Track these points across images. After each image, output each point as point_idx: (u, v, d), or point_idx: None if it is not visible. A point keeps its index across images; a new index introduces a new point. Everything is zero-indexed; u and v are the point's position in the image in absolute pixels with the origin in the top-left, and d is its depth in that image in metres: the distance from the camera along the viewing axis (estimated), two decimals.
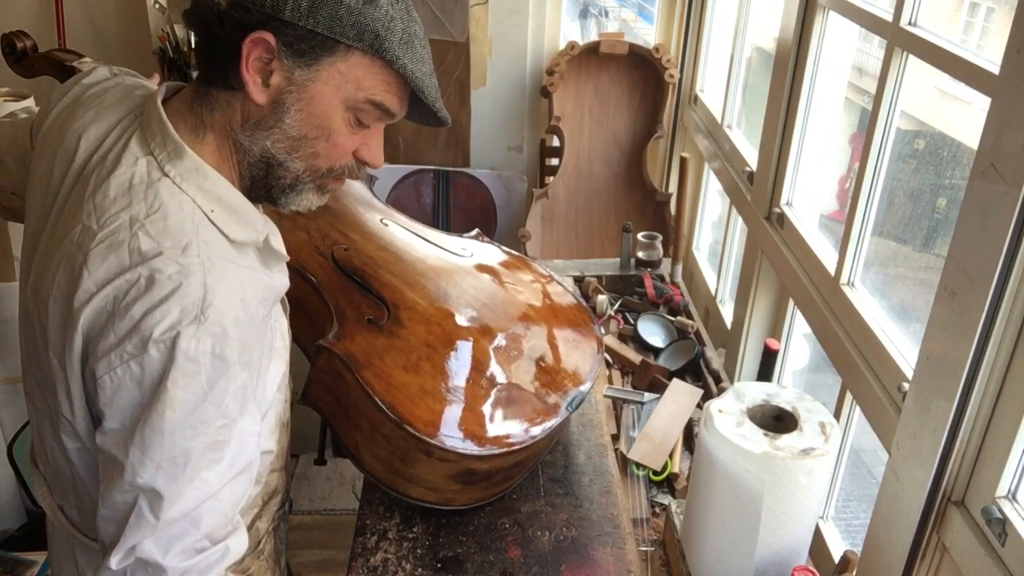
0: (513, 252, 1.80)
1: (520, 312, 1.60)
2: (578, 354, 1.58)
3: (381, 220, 1.67)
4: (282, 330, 1.19)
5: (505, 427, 1.38)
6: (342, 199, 1.66)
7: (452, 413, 1.36)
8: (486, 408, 1.40)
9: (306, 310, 1.46)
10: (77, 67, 1.68)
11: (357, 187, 1.73)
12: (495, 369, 1.46)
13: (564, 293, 1.73)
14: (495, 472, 1.40)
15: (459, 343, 1.47)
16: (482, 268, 1.68)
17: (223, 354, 0.94)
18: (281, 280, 1.12)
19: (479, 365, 1.45)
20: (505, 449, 1.36)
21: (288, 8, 0.93)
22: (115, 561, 0.92)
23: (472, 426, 1.36)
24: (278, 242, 1.10)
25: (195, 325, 0.91)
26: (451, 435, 1.33)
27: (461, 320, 1.51)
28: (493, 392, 1.42)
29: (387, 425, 1.31)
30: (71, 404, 0.99)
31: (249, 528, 1.24)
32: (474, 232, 1.82)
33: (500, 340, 1.51)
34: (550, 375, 1.51)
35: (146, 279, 0.91)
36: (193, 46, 1.01)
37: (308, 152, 1.02)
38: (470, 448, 1.33)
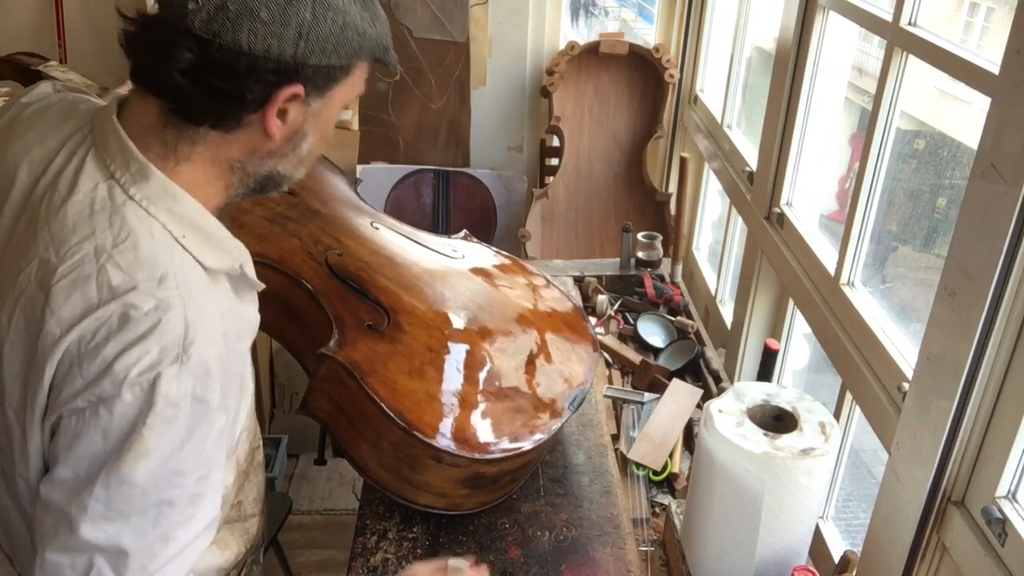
0: (503, 253, 1.80)
1: (516, 314, 1.59)
2: (575, 353, 1.59)
3: (371, 224, 1.64)
4: (249, 363, 1.07)
5: (511, 429, 1.39)
6: (330, 203, 1.63)
7: (460, 418, 1.36)
8: (492, 411, 1.40)
9: (302, 318, 1.44)
10: (43, 71, 1.66)
11: (343, 190, 1.70)
12: (496, 371, 1.46)
13: (556, 294, 1.73)
14: (502, 475, 1.40)
15: (460, 346, 1.47)
16: (475, 270, 1.68)
17: (204, 397, 0.86)
18: (253, 312, 1.03)
19: (481, 368, 1.45)
20: (513, 451, 1.36)
21: (314, 56, 0.88)
22: None
23: (480, 430, 1.36)
24: (251, 270, 1.01)
25: (177, 365, 0.83)
26: (461, 439, 1.33)
27: (459, 323, 1.51)
28: (497, 395, 1.43)
29: (395, 432, 1.30)
30: (29, 465, 0.89)
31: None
32: (462, 233, 1.82)
33: (499, 342, 1.51)
34: (549, 375, 1.50)
35: (119, 316, 0.83)
36: (162, 81, 0.87)
37: (310, 160, 1.01)
38: (479, 452, 1.33)
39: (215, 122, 0.90)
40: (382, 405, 1.29)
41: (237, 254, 0.97)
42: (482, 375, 1.44)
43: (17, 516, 0.96)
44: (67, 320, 0.83)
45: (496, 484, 1.41)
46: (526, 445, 1.37)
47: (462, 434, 1.34)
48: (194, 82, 0.86)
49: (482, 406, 1.40)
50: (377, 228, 1.64)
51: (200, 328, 0.86)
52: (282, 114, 0.91)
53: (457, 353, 1.46)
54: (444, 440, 1.30)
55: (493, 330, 1.52)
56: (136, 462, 0.82)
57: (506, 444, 1.36)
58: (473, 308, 1.55)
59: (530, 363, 1.51)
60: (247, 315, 1.00)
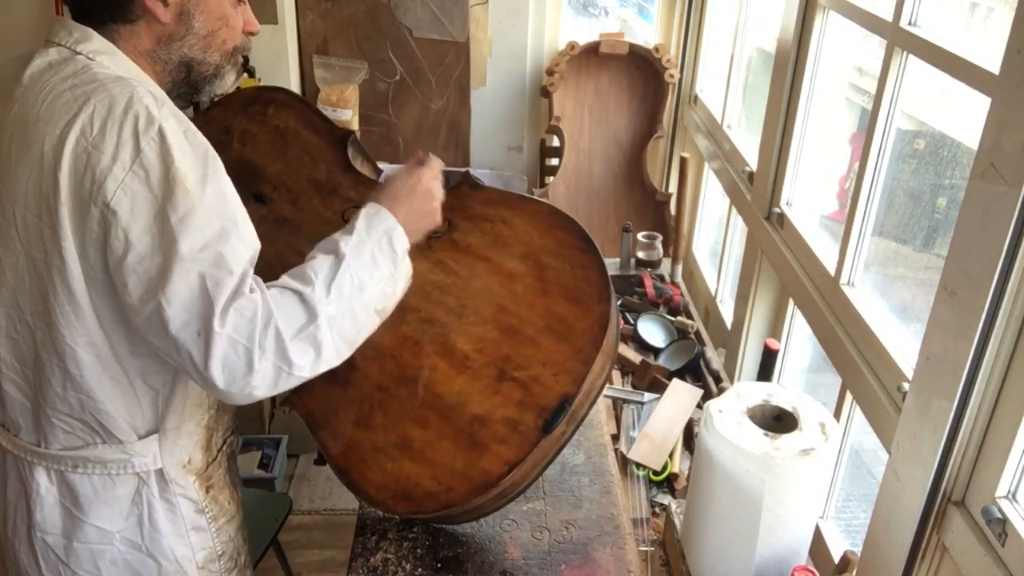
0: (496, 198, 1.43)
1: (495, 304, 1.33)
2: (568, 346, 1.28)
3: (343, 215, 1.46)
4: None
5: (474, 468, 1.26)
6: (300, 199, 1.48)
7: (407, 471, 1.29)
8: (447, 454, 1.29)
9: None
10: None
11: (322, 168, 1.50)
12: (457, 402, 1.31)
13: (557, 246, 1.35)
14: (477, 507, 1.32)
15: (415, 377, 1.33)
16: (451, 245, 1.41)
17: (190, 128, 1.05)
18: None
19: (438, 402, 1.31)
20: (469, 498, 1.26)
21: None
22: (218, 322, 0.98)
23: (427, 481, 1.28)
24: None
25: (164, 109, 1.03)
26: (407, 497, 1.28)
27: (419, 341, 1.34)
28: (455, 432, 1.29)
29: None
30: (72, 293, 1.04)
31: (207, 442, 1.29)
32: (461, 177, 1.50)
33: (465, 358, 1.33)
34: (526, 389, 1.28)
35: (99, 102, 1.01)
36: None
37: (218, 43, 1.17)
38: (427, 507, 1.27)
39: (111, 15, 1.09)
40: (331, 463, 1.33)
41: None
42: (439, 411, 1.31)
43: (57, 369, 1.10)
44: (61, 123, 1.01)
45: (480, 510, 1.35)
46: (490, 481, 1.25)
47: (408, 489, 1.28)
48: None
49: (434, 451, 1.29)
50: (347, 221, 1.43)
51: (159, 93, 1.07)
52: None
53: (411, 386, 1.33)
54: (390, 501, 1.30)
55: (461, 343, 1.33)
56: (186, 188, 1.00)
57: (461, 491, 1.26)
58: (441, 312, 1.32)
59: (503, 377, 1.29)
60: None
